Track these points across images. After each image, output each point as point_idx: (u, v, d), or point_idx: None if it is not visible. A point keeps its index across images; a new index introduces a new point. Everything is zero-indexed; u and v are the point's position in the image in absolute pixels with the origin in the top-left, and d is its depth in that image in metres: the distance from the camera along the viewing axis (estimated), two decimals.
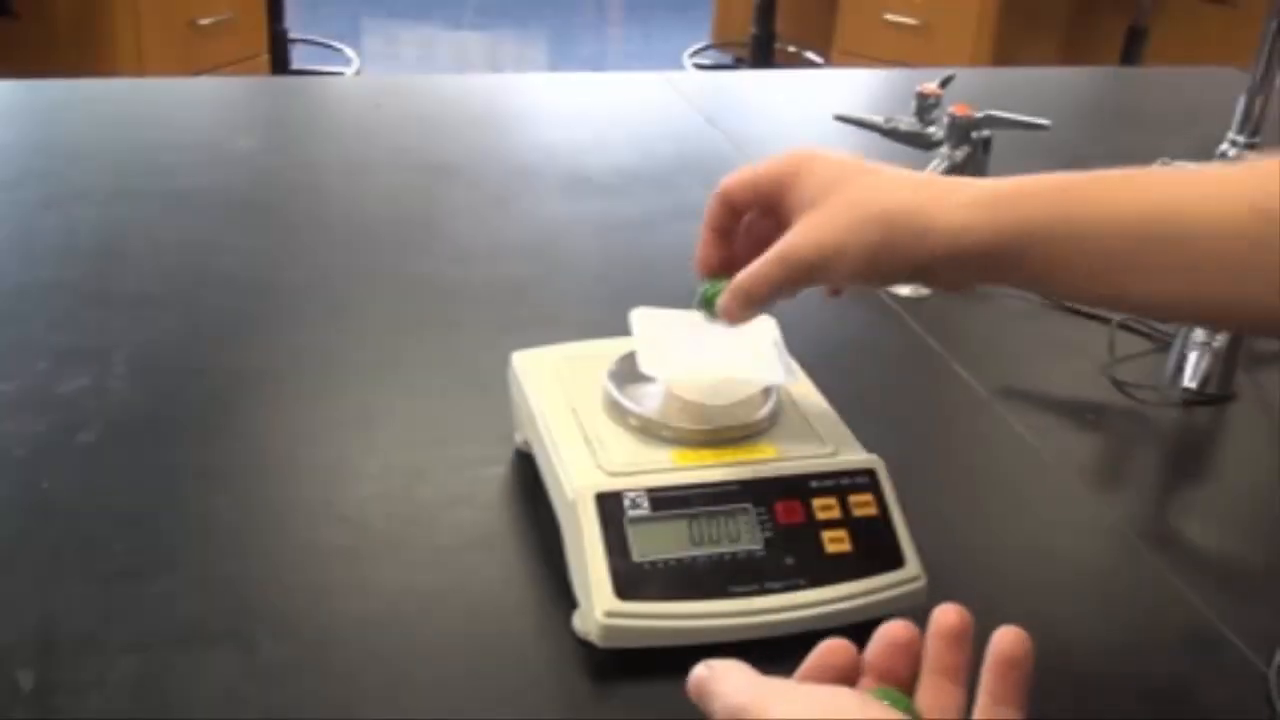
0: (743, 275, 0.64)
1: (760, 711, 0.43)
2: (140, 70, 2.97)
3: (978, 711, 0.45)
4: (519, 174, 1.22)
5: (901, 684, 0.47)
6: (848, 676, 0.47)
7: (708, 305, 0.67)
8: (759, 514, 0.63)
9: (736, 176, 0.66)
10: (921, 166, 1.04)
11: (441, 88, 1.58)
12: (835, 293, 0.66)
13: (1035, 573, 0.72)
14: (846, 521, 0.64)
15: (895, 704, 0.45)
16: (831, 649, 0.48)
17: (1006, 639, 0.45)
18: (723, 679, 0.45)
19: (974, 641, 0.47)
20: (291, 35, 3.67)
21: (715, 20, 4.33)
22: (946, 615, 0.47)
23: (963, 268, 0.60)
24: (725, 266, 0.67)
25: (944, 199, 0.59)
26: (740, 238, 0.67)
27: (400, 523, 0.71)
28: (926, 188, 0.61)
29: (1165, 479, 0.87)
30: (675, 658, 0.60)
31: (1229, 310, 0.58)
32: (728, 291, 0.65)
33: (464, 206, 1.15)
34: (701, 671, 0.46)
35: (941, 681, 0.46)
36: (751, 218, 0.67)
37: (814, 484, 0.65)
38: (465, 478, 0.75)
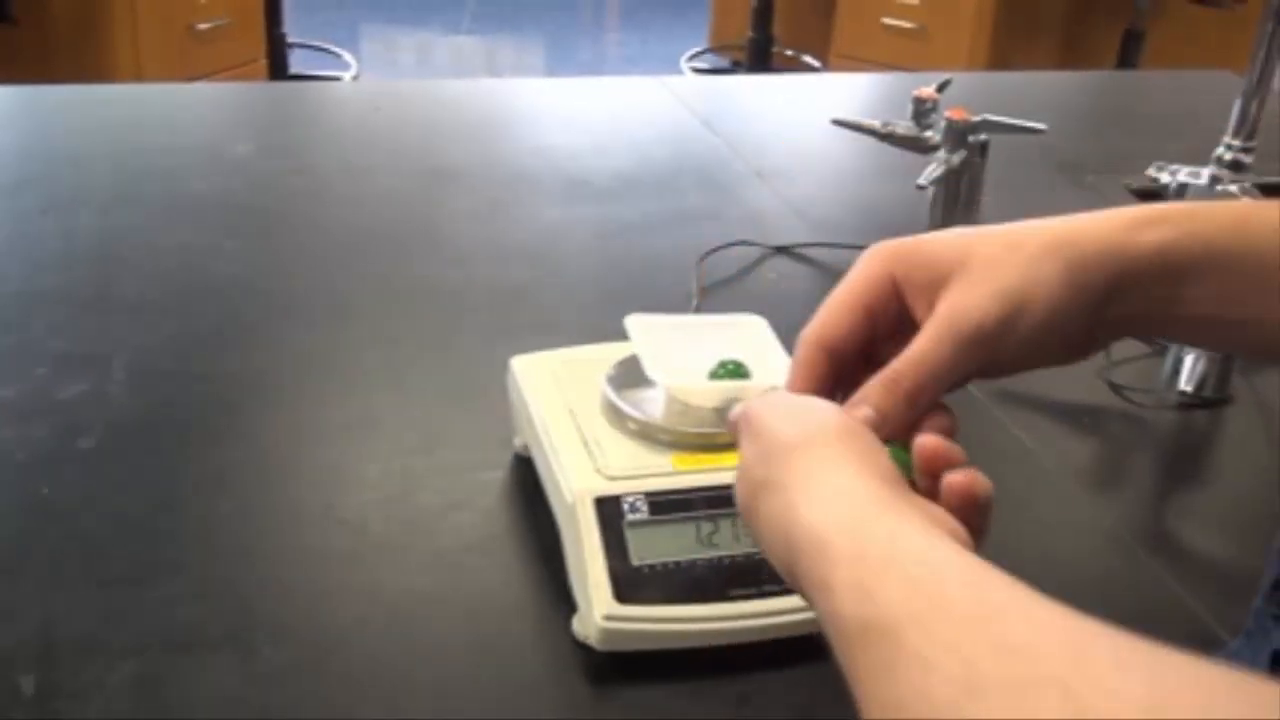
0: (896, 366, 0.48)
1: (756, 413, 0.49)
2: (138, 76, 2.97)
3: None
4: (517, 178, 1.23)
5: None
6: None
7: None
8: None
9: (826, 316, 0.51)
10: (918, 170, 1.04)
11: (440, 92, 1.58)
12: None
13: (1033, 575, 0.72)
14: None
15: (895, 456, 0.47)
16: None
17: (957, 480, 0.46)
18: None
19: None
20: (290, 40, 3.68)
21: (712, 24, 4.33)
22: (923, 451, 0.47)
23: (1137, 289, 0.49)
24: None
25: (1091, 222, 0.50)
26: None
27: (400, 526, 0.71)
28: (1065, 221, 0.50)
29: (1162, 482, 0.87)
30: (674, 661, 0.61)
31: None
32: (878, 389, 0.49)
33: (462, 211, 1.15)
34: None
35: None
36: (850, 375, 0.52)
37: None
38: (464, 482, 0.75)
